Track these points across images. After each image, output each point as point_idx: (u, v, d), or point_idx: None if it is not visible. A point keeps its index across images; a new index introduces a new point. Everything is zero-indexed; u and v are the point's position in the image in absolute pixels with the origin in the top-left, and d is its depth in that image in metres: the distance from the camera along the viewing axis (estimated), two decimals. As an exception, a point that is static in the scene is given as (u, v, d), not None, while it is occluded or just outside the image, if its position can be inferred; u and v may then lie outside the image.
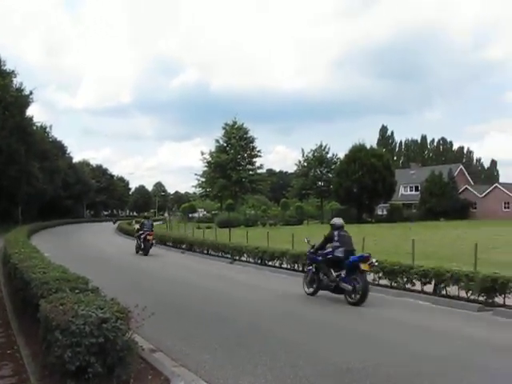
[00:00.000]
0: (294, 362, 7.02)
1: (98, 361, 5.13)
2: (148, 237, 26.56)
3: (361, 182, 65.38)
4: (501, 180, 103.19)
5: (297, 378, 6.35)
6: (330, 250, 13.30)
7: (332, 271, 13.08)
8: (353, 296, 12.35)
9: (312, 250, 14.15)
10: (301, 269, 17.95)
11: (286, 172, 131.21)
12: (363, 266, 12.40)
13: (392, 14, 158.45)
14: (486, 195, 72.65)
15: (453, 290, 12.61)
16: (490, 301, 11.62)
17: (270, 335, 8.87)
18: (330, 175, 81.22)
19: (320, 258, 13.57)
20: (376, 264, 13.26)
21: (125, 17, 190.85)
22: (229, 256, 23.58)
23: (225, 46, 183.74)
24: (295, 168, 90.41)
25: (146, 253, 26.37)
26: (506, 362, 7.40)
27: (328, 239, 13.60)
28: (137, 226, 29.94)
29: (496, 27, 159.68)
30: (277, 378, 6.37)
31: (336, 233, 13.34)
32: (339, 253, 12.94)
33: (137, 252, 27.17)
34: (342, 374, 6.54)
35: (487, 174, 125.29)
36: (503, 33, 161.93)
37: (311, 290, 13.75)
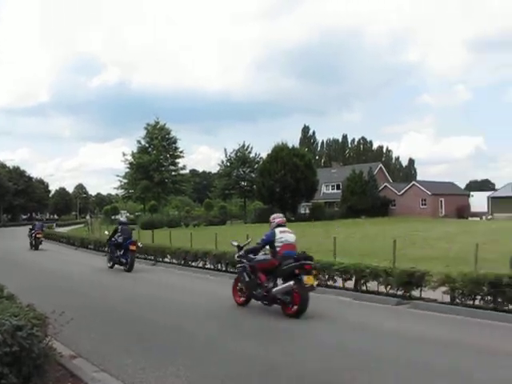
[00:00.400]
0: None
1: (13, 371, 4.88)
2: (37, 235, 32.88)
3: (283, 181, 66.03)
4: (418, 178, 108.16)
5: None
6: (116, 237, 20.21)
7: (118, 251, 19.91)
8: (125, 266, 19.29)
9: (108, 239, 20.98)
10: (224, 268, 18.01)
11: (210, 172, 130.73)
12: (131, 247, 19.31)
13: (313, 16, 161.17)
14: (404, 193, 75.02)
15: (373, 285, 12.98)
16: (408, 294, 12.05)
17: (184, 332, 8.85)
18: (253, 175, 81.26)
19: (112, 243, 20.35)
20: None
21: (42, 13, 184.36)
22: (152, 258, 23.32)
23: (147, 44, 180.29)
24: (218, 168, 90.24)
25: (36, 247, 32.60)
26: (416, 352, 7.66)
27: (115, 231, 20.81)
28: (29, 227, 35.19)
29: (411, 32, 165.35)
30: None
31: (120, 227, 20.68)
32: (120, 239, 19.94)
33: (30, 248, 32.83)
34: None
35: (405, 173, 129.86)
36: (418, 37, 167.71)
37: (111, 264, 20.29)
